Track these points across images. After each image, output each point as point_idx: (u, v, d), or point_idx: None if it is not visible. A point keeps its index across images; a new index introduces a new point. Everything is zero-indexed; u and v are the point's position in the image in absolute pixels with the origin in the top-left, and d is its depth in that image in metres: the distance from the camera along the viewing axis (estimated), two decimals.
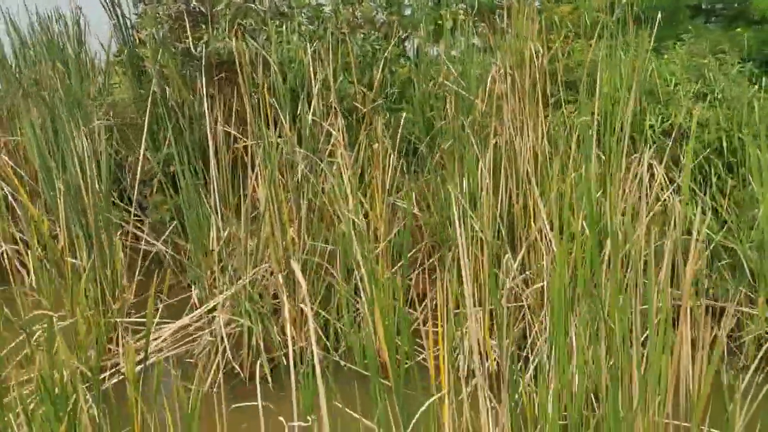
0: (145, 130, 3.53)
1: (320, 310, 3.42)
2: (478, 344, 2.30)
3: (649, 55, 3.62)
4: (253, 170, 3.67)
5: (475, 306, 3.29)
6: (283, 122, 3.27)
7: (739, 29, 4.30)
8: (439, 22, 5.22)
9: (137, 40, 4.60)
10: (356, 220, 3.27)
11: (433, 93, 3.78)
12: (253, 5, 3.81)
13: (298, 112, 3.50)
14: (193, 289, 4.25)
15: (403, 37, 4.92)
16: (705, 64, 4.02)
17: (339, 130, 3.28)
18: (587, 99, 3.89)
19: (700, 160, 3.54)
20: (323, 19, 3.81)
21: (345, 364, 3.33)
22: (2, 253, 4.92)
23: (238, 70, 3.50)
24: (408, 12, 5.65)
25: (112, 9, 4.36)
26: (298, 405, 2.39)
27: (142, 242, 4.35)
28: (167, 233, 4.27)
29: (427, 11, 5.51)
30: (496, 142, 3.21)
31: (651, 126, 3.71)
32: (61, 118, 3.74)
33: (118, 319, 3.36)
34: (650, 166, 3.68)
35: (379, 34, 4.59)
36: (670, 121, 3.75)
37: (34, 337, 2.98)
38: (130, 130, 4.61)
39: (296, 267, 2.66)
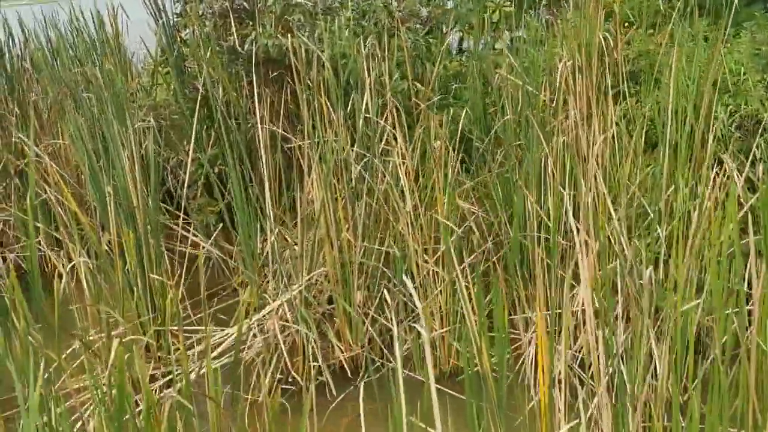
0: (193, 130, 3.41)
1: (377, 315, 3.29)
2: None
3: (720, 44, 3.43)
4: (302, 170, 3.56)
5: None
6: (337, 121, 3.14)
7: None
8: (484, 14, 5.07)
9: (179, 39, 4.51)
10: (412, 221, 3.14)
11: (491, 87, 3.62)
12: (301, 0, 3.69)
13: (350, 109, 3.37)
14: (240, 293, 4.16)
15: (445, 31, 4.77)
16: None
17: (395, 127, 3.14)
18: (650, 91, 3.72)
19: None
20: (371, 13, 3.67)
21: (406, 373, 3.20)
22: (44, 259, 4.89)
23: (291, 67, 3.38)
24: (450, 5, 5.51)
25: (154, 7, 4.27)
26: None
27: (187, 245, 4.27)
28: (213, 236, 4.17)
29: (471, 5, 5.37)
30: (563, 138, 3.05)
31: (716, 117, 3.52)
32: (106, 120, 3.65)
33: (172, 328, 3.26)
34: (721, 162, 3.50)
35: (424, 28, 4.45)
36: (739, 113, 3.56)
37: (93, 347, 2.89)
38: (173, 131, 4.52)
39: None
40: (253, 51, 3.47)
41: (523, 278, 3.17)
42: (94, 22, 5.01)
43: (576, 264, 3.12)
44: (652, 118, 3.72)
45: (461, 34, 5.13)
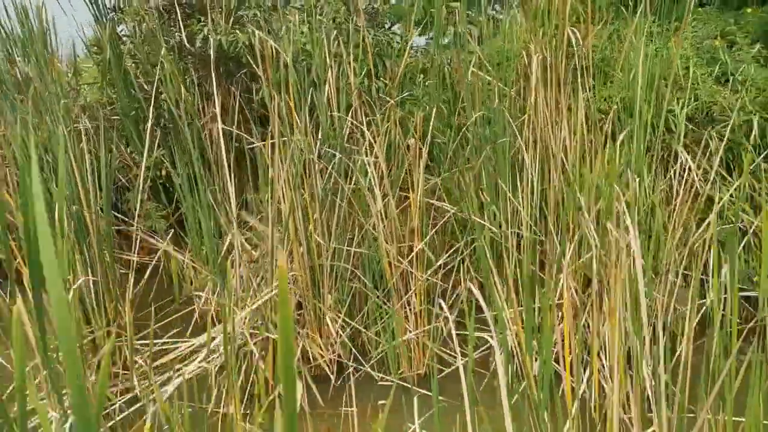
0: (148, 131, 3.22)
1: (348, 320, 3.20)
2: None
3: (674, 40, 3.51)
4: (256, 170, 3.43)
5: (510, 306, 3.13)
6: (302, 119, 3.03)
7: (749, 10, 4.24)
8: (432, 10, 5.05)
9: (117, 36, 4.27)
10: (384, 221, 3.07)
11: (450, 82, 3.59)
12: None
13: (311, 107, 3.27)
14: (196, 302, 3.98)
15: (387, 25, 4.72)
16: (716, 47, 3.95)
17: (363, 124, 3.06)
18: (603, 86, 3.78)
19: (729, 145, 3.46)
20: (329, 9, 3.57)
21: (380, 376, 3.13)
22: None
23: (246, 64, 3.24)
24: (394, 1, 5.46)
25: (92, 2, 4.02)
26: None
27: (131, 254, 4.05)
28: (166, 242, 3.98)
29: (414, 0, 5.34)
30: (530, 131, 3.05)
31: (670, 110, 3.61)
32: (45, 122, 3.41)
33: (139, 343, 3.07)
34: (675, 152, 3.59)
35: (368, 24, 4.38)
36: (691, 106, 3.67)
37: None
38: (109, 132, 4.28)
39: None
40: (212, 47, 3.31)
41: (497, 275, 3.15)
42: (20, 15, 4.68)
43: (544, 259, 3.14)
44: (605, 112, 3.79)
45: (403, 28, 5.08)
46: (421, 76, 3.81)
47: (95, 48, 4.26)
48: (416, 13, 5.20)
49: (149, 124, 3.25)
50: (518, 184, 3.15)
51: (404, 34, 4.50)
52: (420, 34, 5.09)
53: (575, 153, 3.06)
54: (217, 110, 2.85)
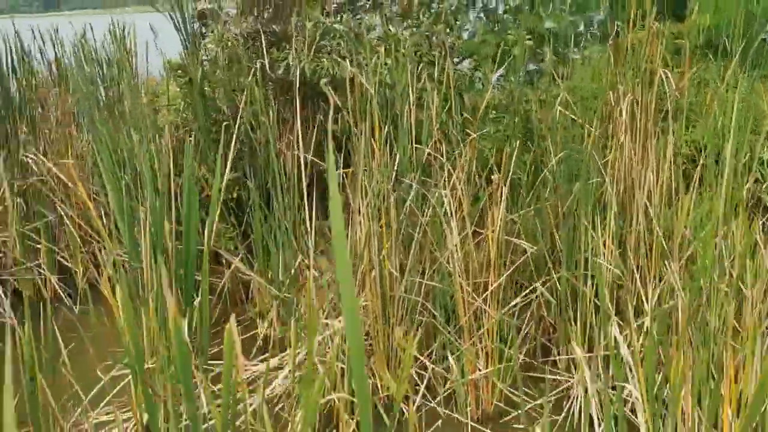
0: (221, 151, 3.27)
1: (417, 355, 3.15)
2: None
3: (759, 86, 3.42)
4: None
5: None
6: (386, 149, 3.03)
7: None
8: (505, 47, 5.05)
9: (201, 60, 4.38)
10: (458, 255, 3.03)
11: (526, 117, 3.56)
12: (337, 26, 3.60)
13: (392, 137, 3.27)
14: (260, 325, 3.99)
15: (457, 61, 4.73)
16: None
17: (444, 157, 3.05)
18: (686, 130, 3.69)
19: None
20: (411, 43, 3.60)
21: (446, 413, 3.06)
22: (43, 283, 4.66)
23: (327, 93, 3.27)
24: (465, 36, 5.48)
25: (182, 27, 4.14)
26: None
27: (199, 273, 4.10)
28: (234, 264, 4.01)
29: (486, 37, 5.34)
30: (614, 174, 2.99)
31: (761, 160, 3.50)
32: (130, 138, 3.50)
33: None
34: (762, 203, 3.47)
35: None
36: None
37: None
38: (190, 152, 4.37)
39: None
40: (297, 74, 3.35)
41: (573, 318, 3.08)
42: (114, 38, 4.87)
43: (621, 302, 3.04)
44: (687, 156, 3.70)
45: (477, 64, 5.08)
46: (493, 111, 3.79)
47: (179, 71, 4.37)
48: (488, 48, 5.22)
49: (225, 144, 3.29)
50: (597, 224, 3.07)
51: (476, 70, 4.50)
52: (492, 70, 5.08)
53: (661, 196, 2.98)
54: (296, 135, 2.87)
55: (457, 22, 5.07)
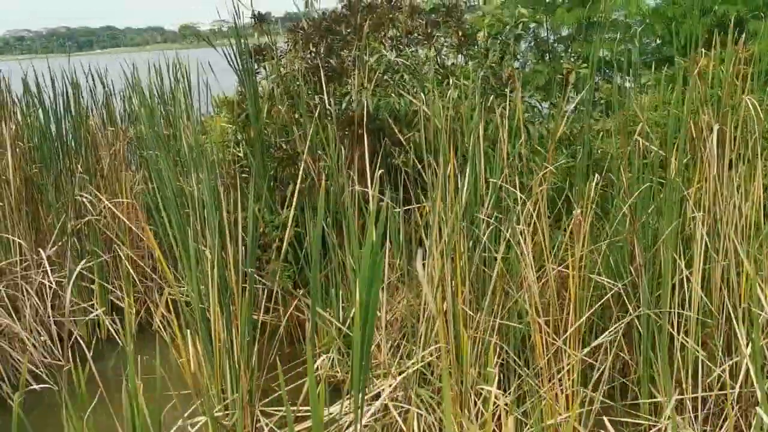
0: (297, 191, 3.20)
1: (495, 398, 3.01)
2: None
3: None
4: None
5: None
6: (459, 184, 2.94)
7: None
8: (560, 75, 4.96)
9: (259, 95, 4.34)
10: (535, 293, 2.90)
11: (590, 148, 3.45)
12: (400, 60, 3.54)
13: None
14: (320, 366, 3.88)
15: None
16: None
17: (517, 190, 2.94)
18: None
19: None
20: (477, 75, 3.52)
21: None
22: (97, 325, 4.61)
23: (388, 127, 3.21)
24: (516, 65, 5.40)
25: (237, 61, 4.12)
26: None
27: (259, 313, 4.01)
28: (294, 303, 3.93)
29: (540, 66, 5.26)
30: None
31: None
32: (190, 177, 3.45)
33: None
34: None
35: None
36: None
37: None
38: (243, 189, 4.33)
39: None
40: (356, 109, 3.29)
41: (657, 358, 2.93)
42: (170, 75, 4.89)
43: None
44: None
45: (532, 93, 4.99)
46: (566, 142, 3.68)
47: (235, 107, 4.35)
48: (540, 78, 5.14)
49: (283, 182, 3.22)
50: (681, 261, 2.94)
51: (544, 100, 4.41)
52: (544, 100, 4.99)
53: (748, 230, 2.84)
54: (358, 169, 2.80)
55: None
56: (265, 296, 4.15)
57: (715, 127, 2.66)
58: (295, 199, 3.15)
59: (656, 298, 3.03)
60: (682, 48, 5.03)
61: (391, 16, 4.09)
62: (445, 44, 4.19)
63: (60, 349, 4.39)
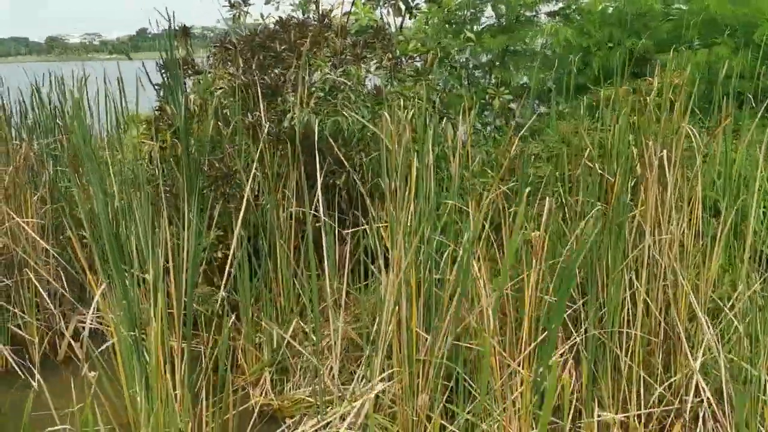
0: (239, 209, 3.04)
1: (445, 423, 2.97)
2: None
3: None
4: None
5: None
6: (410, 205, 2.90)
7: None
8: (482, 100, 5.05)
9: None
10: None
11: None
12: (340, 79, 3.48)
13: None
14: (253, 395, 3.70)
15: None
16: None
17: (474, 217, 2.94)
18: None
19: None
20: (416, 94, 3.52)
21: None
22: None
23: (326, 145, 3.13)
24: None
25: (166, 72, 3.90)
26: None
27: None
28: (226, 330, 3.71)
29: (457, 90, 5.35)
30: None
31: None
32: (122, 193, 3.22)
33: None
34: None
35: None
36: None
37: None
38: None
39: None
40: (298, 127, 3.19)
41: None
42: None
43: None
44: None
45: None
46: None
47: (155, 123, 4.12)
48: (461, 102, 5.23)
49: (211, 202, 3.07)
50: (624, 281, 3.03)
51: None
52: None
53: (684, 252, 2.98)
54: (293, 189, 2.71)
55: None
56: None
57: (662, 153, 2.78)
58: (239, 220, 2.99)
59: (601, 318, 3.11)
60: (594, 78, 5.29)
61: (325, 35, 4.03)
62: (377, 65, 4.16)
63: None
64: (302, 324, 3.74)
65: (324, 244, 3.34)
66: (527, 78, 5.46)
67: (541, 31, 5.05)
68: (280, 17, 4.16)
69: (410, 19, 5.50)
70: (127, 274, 3.00)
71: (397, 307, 2.81)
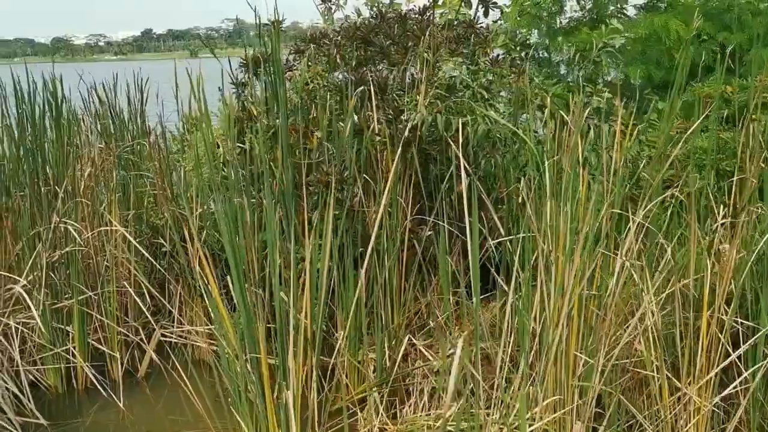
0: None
1: None
2: None
3: None
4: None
5: None
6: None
7: None
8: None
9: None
10: None
11: None
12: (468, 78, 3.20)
13: None
14: (362, 417, 3.42)
15: None
16: None
17: None
18: None
19: None
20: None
21: None
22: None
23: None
24: None
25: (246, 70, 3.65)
26: None
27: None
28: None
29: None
30: None
31: None
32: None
33: None
34: None
35: None
36: None
37: None
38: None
39: None
40: (425, 128, 2.92)
41: None
42: None
43: None
44: None
45: None
46: None
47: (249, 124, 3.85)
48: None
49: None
50: None
51: None
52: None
53: None
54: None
55: None
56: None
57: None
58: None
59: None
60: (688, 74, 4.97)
61: (428, 28, 3.76)
62: (482, 61, 3.88)
63: (32, 403, 3.67)
64: (414, 340, 3.46)
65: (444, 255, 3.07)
66: (615, 73, 5.16)
67: (646, 24, 4.75)
68: (379, 9, 3.89)
69: (485, 16, 5.24)
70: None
71: (559, 328, 2.53)
